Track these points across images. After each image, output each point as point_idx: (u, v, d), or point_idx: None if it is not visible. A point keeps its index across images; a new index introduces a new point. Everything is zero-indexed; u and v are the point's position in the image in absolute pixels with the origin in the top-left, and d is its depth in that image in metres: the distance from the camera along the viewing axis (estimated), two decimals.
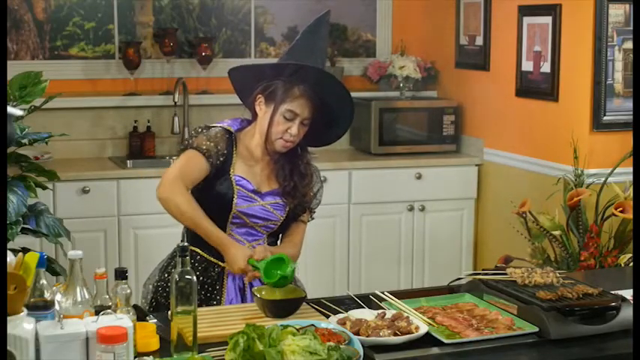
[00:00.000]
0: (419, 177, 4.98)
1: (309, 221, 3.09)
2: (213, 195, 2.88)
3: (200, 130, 2.93)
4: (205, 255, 2.91)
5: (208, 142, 2.87)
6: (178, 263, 2.26)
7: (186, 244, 2.31)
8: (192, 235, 2.90)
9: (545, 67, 4.49)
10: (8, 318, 1.96)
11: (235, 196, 2.87)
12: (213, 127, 2.94)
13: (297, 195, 2.95)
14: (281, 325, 2.15)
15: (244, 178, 2.90)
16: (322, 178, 3.10)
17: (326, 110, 2.90)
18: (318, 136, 2.98)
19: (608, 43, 4.21)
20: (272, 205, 2.93)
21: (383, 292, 2.64)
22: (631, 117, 4.24)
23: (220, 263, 2.90)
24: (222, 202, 2.88)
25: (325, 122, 2.94)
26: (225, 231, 2.88)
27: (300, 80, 2.85)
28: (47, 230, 3.70)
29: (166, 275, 2.93)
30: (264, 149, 2.92)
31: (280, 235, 3.04)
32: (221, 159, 2.87)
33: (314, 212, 3.08)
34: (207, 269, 2.91)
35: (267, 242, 2.96)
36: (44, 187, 3.87)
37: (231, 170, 2.89)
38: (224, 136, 2.90)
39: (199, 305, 2.39)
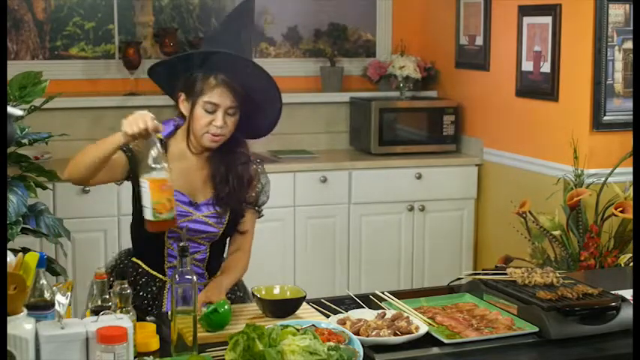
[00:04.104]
0: (419, 177, 4.98)
1: (259, 217, 2.93)
2: None
3: None
4: (147, 268, 2.82)
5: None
6: (178, 263, 2.26)
7: (186, 244, 2.31)
8: (136, 247, 2.86)
9: (545, 67, 4.49)
10: (8, 318, 1.96)
11: None
12: None
13: (232, 202, 2.80)
14: (281, 325, 2.15)
15: (177, 191, 2.70)
16: (265, 176, 2.91)
17: (252, 96, 2.75)
18: (250, 126, 2.81)
19: (608, 43, 4.21)
20: (208, 216, 2.79)
21: (383, 292, 2.64)
22: (631, 117, 4.24)
23: (162, 277, 2.80)
24: None
25: (252, 109, 2.77)
26: (164, 245, 2.78)
27: (214, 68, 2.71)
28: (47, 230, 3.70)
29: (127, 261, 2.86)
30: (195, 148, 2.78)
31: (228, 241, 2.89)
32: None
33: (261, 210, 2.92)
34: (148, 283, 2.81)
35: (210, 252, 2.83)
36: (44, 187, 3.87)
37: None
38: None
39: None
